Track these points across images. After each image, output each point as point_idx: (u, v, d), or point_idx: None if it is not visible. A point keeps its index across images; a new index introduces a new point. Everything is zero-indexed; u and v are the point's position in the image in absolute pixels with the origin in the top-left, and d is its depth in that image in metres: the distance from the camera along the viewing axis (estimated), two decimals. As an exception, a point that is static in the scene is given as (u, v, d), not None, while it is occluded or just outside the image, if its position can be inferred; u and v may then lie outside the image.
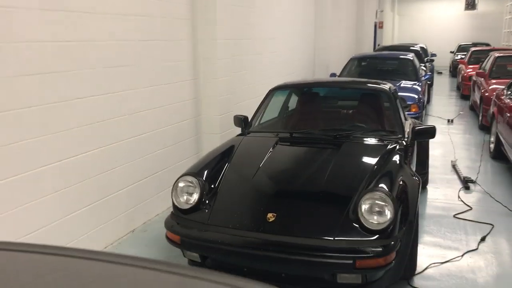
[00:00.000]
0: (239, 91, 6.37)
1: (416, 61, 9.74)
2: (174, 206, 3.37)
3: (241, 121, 4.59)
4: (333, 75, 9.95)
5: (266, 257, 2.92)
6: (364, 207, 2.99)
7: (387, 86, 4.79)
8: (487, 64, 10.44)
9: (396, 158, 3.63)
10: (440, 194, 5.47)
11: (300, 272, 2.99)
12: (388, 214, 2.94)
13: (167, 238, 3.27)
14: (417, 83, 8.67)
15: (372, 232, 2.92)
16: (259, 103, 4.84)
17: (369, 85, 4.99)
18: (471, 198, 5.33)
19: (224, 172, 3.60)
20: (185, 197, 3.35)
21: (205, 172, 3.52)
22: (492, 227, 4.44)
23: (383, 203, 2.97)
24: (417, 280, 3.53)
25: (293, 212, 3.14)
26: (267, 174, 3.60)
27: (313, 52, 11.30)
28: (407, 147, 3.97)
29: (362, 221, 2.95)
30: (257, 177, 3.52)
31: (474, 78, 11.13)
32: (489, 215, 4.78)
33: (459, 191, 5.55)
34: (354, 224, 2.97)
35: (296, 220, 3.08)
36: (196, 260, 3.26)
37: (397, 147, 3.84)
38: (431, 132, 4.15)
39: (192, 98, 5.42)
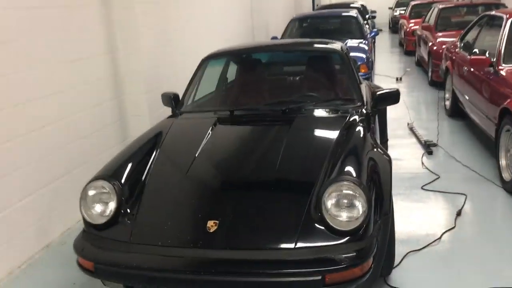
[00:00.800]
0: (168, 64, 5.50)
1: (360, 18, 9.15)
2: (85, 221, 2.58)
3: (170, 99, 3.79)
4: (274, 38, 9.21)
5: (208, 282, 2.21)
6: (329, 202, 2.32)
7: (337, 45, 4.10)
8: (431, 17, 10.00)
9: (359, 132, 2.98)
10: (402, 163, 4.93)
11: None
12: (360, 208, 2.29)
13: (79, 264, 2.49)
14: (364, 41, 8.08)
15: (341, 233, 2.27)
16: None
17: (317, 45, 4.29)
18: (436, 164, 4.82)
19: (149, 170, 2.83)
20: (98, 209, 2.57)
21: (123, 172, 2.73)
22: (466, 198, 3.94)
23: (353, 194, 2.32)
24: (394, 275, 2.95)
25: (239, 217, 2.42)
26: (204, 167, 2.87)
27: (250, 15, 10.47)
28: (369, 117, 3.34)
29: (328, 220, 2.29)
30: (192, 171, 2.77)
31: (418, 32, 10.71)
32: (458, 183, 4.29)
33: (422, 157, 5.04)
34: (318, 225, 2.30)
35: (244, 227, 2.37)
36: (120, 290, 2.53)
37: (358, 118, 3.19)
38: (394, 96, 3.51)
39: (110, 76, 4.53)
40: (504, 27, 4.93)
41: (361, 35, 8.40)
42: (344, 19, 9.03)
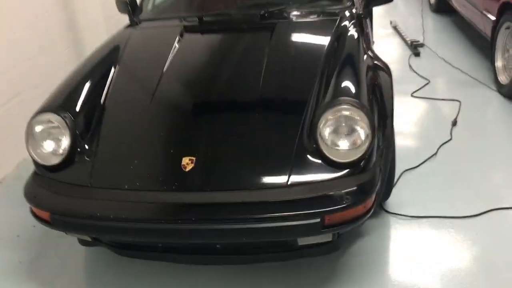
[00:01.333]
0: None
1: None
2: (36, 162, 2.16)
3: (126, 5, 3.22)
4: None
5: (186, 231, 1.87)
6: (326, 130, 1.95)
7: None
8: None
9: (353, 38, 2.57)
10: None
11: (241, 242, 2.00)
12: (363, 134, 1.94)
13: (33, 214, 2.11)
14: None
15: (341, 166, 1.93)
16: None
17: None
18: (424, 67, 4.46)
19: (106, 95, 2.37)
20: (49, 147, 2.14)
21: (76, 100, 2.27)
22: (460, 104, 3.64)
23: (354, 119, 1.95)
24: (390, 197, 2.69)
25: (220, 150, 2.04)
26: (173, 88, 2.43)
27: None
28: (361, 19, 2.89)
29: (325, 151, 1.93)
30: (159, 93, 2.33)
31: None
32: (450, 88, 3.97)
33: (409, 59, 4.66)
34: (312, 158, 1.95)
35: (226, 164, 2.00)
36: (86, 239, 2.19)
37: (349, 21, 2.74)
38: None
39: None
40: None
41: None
42: None
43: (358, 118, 1.94)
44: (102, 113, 2.27)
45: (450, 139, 3.20)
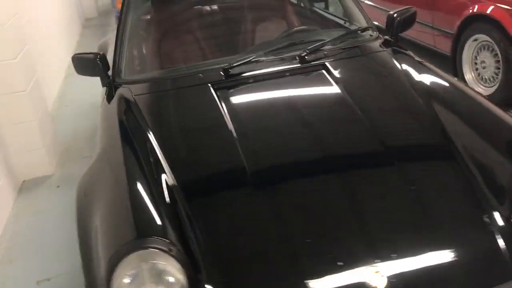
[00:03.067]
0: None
1: None
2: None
3: (95, 63, 2.37)
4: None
5: None
6: None
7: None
8: None
9: (417, 63, 2.32)
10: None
11: None
12: None
13: None
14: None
15: None
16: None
17: None
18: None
19: (181, 201, 1.59)
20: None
21: (157, 219, 1.49)
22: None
23: None
24: None
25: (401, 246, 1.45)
26: (268, 158, 1.77)
27: None
28: (397, 43, 2.58)
29: None
30: (255, 170, 1.68)
31: None
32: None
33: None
34: None
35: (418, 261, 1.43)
36: None
37: (395, 49, 2.45)
38: (413, 17, 2.73)
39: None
40: None
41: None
42: None
43: None
44: (195, 231, 1.51)
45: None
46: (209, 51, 2.61)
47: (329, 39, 2.39)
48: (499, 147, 1.76)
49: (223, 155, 1.81)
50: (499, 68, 3.54)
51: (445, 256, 1.41)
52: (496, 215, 1.50)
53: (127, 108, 2.13)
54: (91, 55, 2.39)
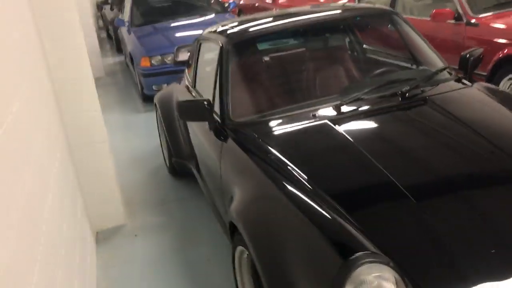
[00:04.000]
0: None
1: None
2: None
3: (203, 108, 2.48)
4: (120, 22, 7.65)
5: None
6: None
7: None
8: None
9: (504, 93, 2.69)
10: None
11: None
12: None
13: None
14: (228, 15, 7.32)
15: None
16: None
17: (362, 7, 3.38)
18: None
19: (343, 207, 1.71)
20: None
21: (359, 238, 1.57)
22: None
23: None
24: None
25: None
26: (423, 182, 1.91)
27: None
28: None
29: None
30: (421, 196, 1.77)
31: None
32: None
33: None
34: None
35: None
36: None
37: (475, 84, 2.71)
38: (481, 56, 2.99)
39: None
40: None
41: (222, 8, 7.59)
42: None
43: None
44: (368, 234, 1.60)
45: None
46: (308, 91, 2.79)
47: (419, 78, 2.63)
48: None
49: (368, 172, 1.93)
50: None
51: None
52: None
53: (255, 145, 2.25)
54: (200, 101, 2.50)
